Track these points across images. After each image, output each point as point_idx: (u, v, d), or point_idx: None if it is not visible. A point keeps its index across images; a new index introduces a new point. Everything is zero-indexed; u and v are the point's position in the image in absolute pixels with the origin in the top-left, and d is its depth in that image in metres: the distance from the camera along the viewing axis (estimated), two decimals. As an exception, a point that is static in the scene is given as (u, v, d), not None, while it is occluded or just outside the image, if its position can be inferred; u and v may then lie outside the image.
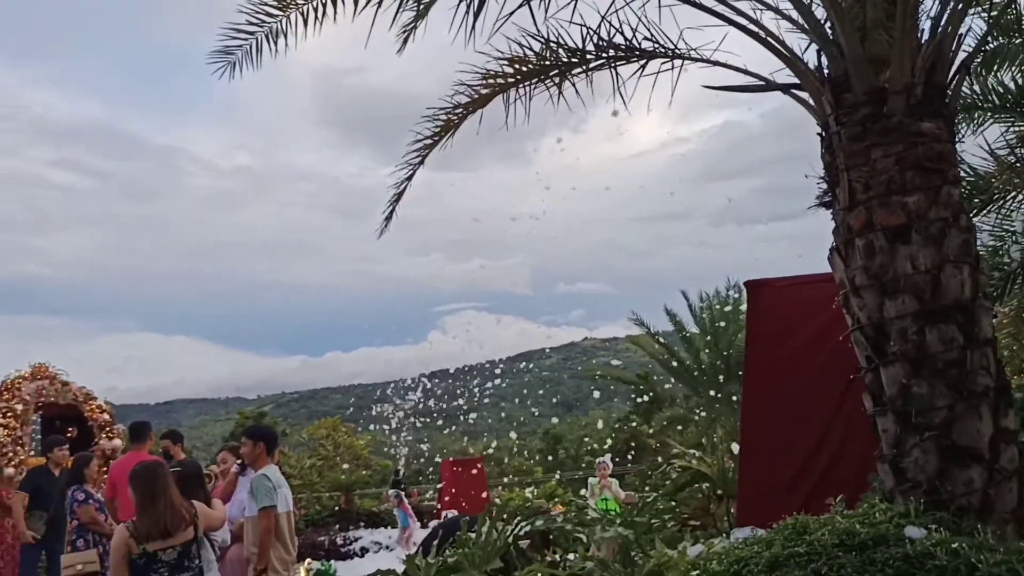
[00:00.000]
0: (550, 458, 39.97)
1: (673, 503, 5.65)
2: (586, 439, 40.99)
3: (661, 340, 19.98)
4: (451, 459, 16.62)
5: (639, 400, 42.84)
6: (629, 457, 34.27)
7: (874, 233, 4.23)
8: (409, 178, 6.80)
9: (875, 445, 4.57)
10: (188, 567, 5.27)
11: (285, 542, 6.43)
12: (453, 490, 15.73)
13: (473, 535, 4.85)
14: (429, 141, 6.38)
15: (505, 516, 4.81)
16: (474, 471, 16.15)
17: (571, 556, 4.31)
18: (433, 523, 13.08)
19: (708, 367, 18.55)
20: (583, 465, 32.76)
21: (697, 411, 19.42)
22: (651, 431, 36.89)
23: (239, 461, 7.21)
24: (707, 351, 18.57)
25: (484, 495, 15.57)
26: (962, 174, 5.60)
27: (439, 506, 15.64)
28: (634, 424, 41.86)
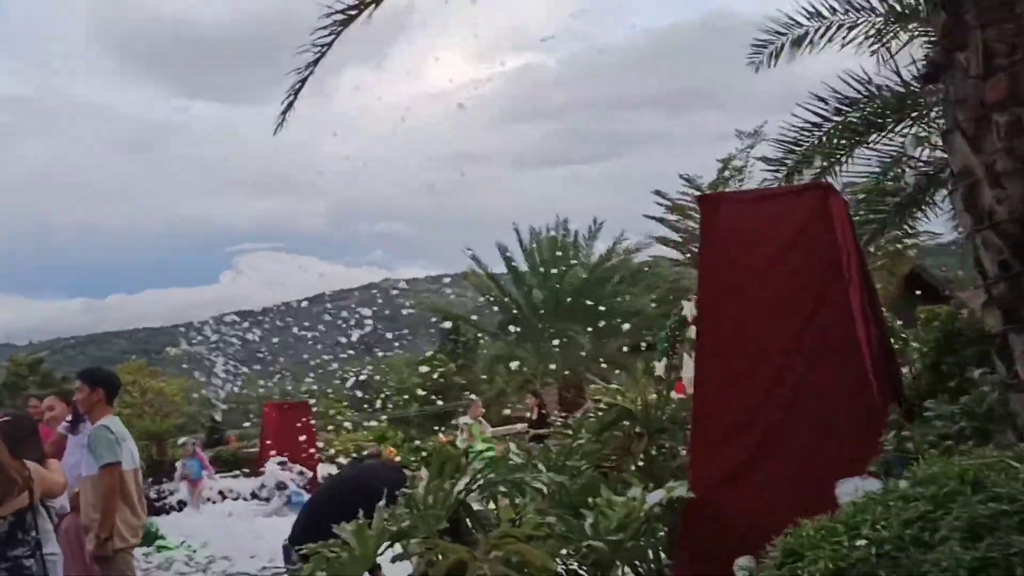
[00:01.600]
0: (366, 406, 39.03)
1: (599, 444, 5.11)
2: (390, 383, 40.44)
3: (492, 277, 19.54)
4: (274, 403, 15.44)
5: (456, 340, 42.69)
6: (438, 398, 34.07)
7: (1022, 107, 3.39)
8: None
9: (836, 386, 4.13)
10: (23, 540, 4.22)
11: (133, 504, 5.39)
12: (276, 437, 14.68)
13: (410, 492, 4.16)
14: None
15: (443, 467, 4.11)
16: (300, 416, 15.11)
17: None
18: (270, 472, 12.12)
19: (540, 304, 18.33)
20: (389, 407, 32.11)
21: (525, 349, 19.21)
22: (457, 371, 36.77)
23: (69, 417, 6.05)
24: (538, 289, 18.33)
25: (311, 441, 14.63)
26: None
27: (264, 454, 14.50)
28: (440, 366, 41.70)
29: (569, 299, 17.41)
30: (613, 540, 3.69)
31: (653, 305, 17.75)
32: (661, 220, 21.57)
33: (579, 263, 18.56)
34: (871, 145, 7.81)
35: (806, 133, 7.85)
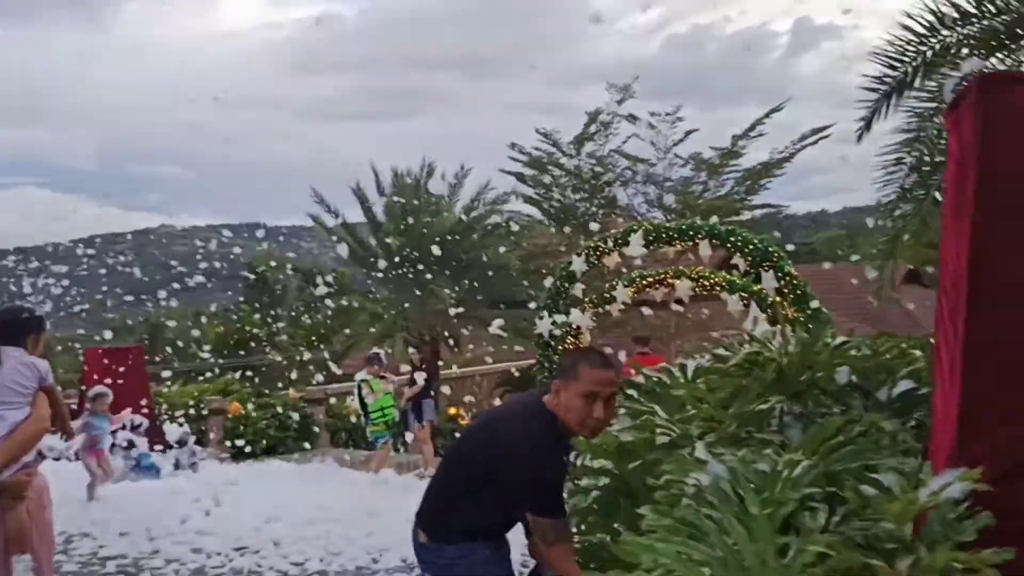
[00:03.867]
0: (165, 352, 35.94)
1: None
2: (171, 330, 37.50)
3: (344, 225, 17.88)
4: (101, 349, 13.23)
5: (264, 289, 40.12)
6: (240, 353, 31.83)
7: None
8: None
9: None
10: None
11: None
12: (103, 382, 12.58)
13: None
14: None
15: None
16: (129, 363, 13.05)
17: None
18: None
19: (397, 253, 16.98)
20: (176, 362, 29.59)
21: (374, 304, 17.80)
22: (257, 323, 34.61)
23: None
24: (396, 236, 16.96)
25: (145, 393, 12.65)
26: None
27: (84, 406, 12.33)
28: (238, 316, 39.29)
29: (433, 250, 16.18)
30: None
31: (518, 262, 16.86)
32: (520, 176, 20.74)
33: (448, 212, 17.33)
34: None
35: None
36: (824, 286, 15.89)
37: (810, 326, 10.45)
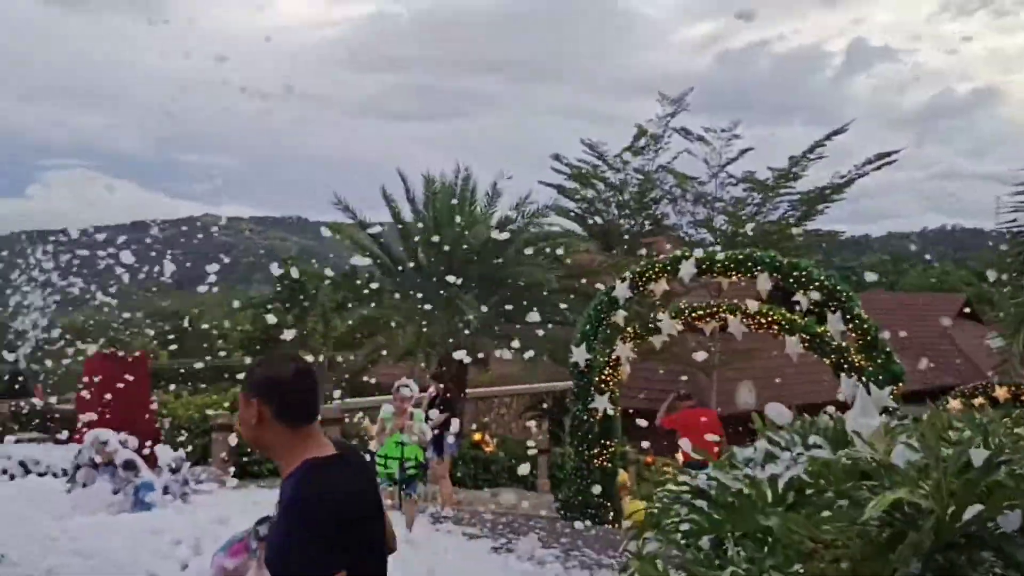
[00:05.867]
0: (174, 345, 35.15)
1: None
2: (200, 321, 36.73)
3: (370, 230, 16.89)
4: (102, 352, 12.28)
5: (293, 287, 39.40)
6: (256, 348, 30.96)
7: None
8: None
9: None
10: None
11: None
12: (103, 395, 11.67)
13: None
14: None
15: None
16: (132, 370, 12.13)
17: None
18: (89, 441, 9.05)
19: (426, 264, 16.01)
20: (210, 356, 28.84)
21: (401, 315, 16.80)
22: (293, 321, 33.85)
23: None
24: (426, 246, 15.97)
25: (147, 406, 11.74)
26: None
27: (83, 417, 11.38)
28: (269, 311, 38.49)
29: (463, 262, 15.15)
30: None
31: (555, 280, 15.77)
32: (561, 189, 19.66)
33: (483, 223, 16.28)
34: None
35: None
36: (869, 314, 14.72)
37: (880, 377, 9.31)
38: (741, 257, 10.34)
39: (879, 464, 2.84)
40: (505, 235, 14.64)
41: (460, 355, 12.25)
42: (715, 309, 10.88)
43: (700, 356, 13.72)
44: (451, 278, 13.05)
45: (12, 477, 10.02)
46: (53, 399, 13.25)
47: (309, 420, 2.63)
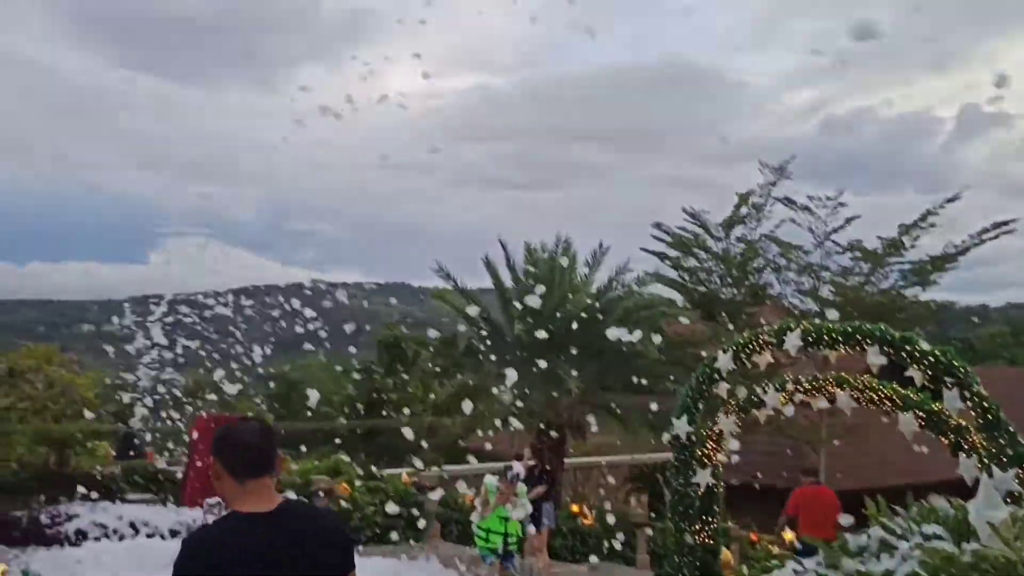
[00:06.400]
0: (279, 406, 36.03)
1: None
2: (303, 385, 37.50)
3: (470, 295, 17.11)
4: (209, 414, 12.69)
5: (395, 353, 39.84)
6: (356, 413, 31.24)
7: None
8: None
9: None
10: None
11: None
12: (208, 457, 11.98)
13: None
14: None
15: None
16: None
17: None
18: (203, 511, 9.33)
19: (524, 334, 16.02)
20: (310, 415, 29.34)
21: (498, 383, 16.80)
22: (393, 386, 34.19)
23: None
24: (527, 314, 16.00)
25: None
26: None
27: (191, 484, 11.67)
28: (374, 376, 38.99)
29: (562, 329, 15.12)
30: None
31: (656, 349, 15.55)
32: (662, 256, 19.55)
33: (583, 291, 16.28)
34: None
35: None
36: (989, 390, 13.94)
37: (1003, 459, 8.78)
38: (850, 329, 10.00)
39: (1008, 562, 2.67)
40: (603, 301, 14.58)
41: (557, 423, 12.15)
42: (822, 383, 10.51)
43: (808, 430, 13.30)
44: (549, 344, 13.03)
45: (121, 537, 10.35)
46: (163, 462, 13.67)
47: (253, 476, 2.93)
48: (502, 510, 8.59)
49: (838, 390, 10.34)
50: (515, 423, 15.87)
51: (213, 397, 12.80)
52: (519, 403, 15.67)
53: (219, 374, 13.47)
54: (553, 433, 15.66)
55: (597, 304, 14.43)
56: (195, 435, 11.88)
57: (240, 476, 2.92)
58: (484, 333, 16.98)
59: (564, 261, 17.12)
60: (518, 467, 8.96)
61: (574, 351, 15.46)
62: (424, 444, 15.53)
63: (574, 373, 15.09)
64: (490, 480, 8.91)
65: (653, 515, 15.41)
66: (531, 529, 10.83)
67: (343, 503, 12.53)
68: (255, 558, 2.79)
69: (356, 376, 38.78)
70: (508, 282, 17.12)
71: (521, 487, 8.93)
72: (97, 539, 10.17)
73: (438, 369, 33.27)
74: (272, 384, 39.98)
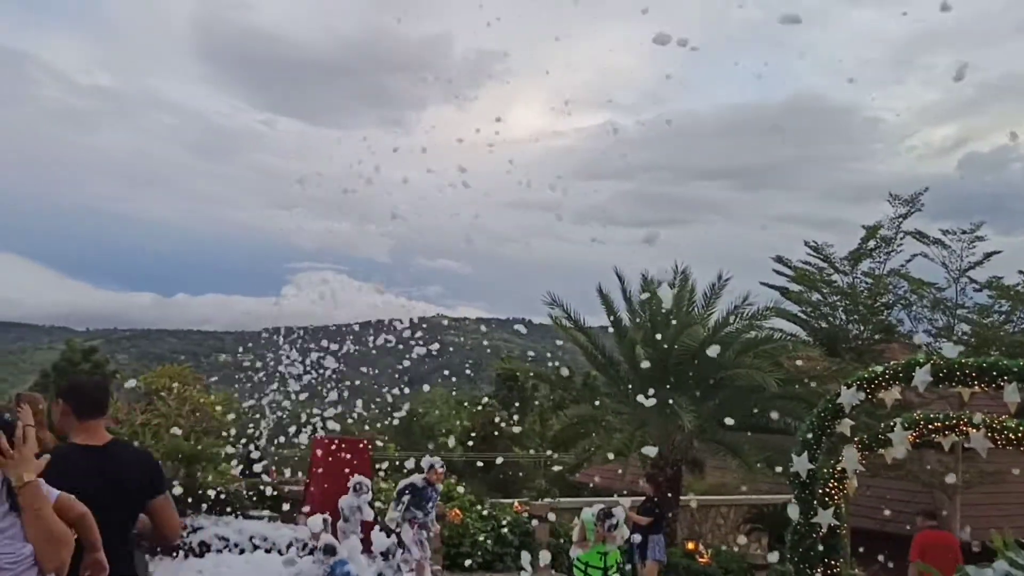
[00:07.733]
0: (402, 438, 36.65)
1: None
2: (426, 416, 37.94)
3: (585, 330, 17.06)
4: (328, 437, 13.02)
5: (512, 388, 39.96)
6: (472, 444, 31.31)
7: None
8: None
9: None
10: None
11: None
12: (326, 480, 12.30)
13: None
14: None
15: None
16: (357, 455, 12.75)
17: None
18: (312, 524, 9.54)
19: (640, 367, 15.82)
20: (430, 446, 29.72)
21: (616, 415, 16.64)
22: (514, 421, 34.22)
23: None
24: (643, 347, 15.81)
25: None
26: None
27: (307, 501, 11.98)
28: (491, 409, 39.16)
29: (678, 363, 14.85)
30: None
31: (776, 385, 15.06)
32: (784, 291, 18.99)
33: (699, 324, 15.99)
34: None
35: None
36: None
37: None
38: (985, 365, 9.43)
39: None
40: (722, 335, 14.27)
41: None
42: (955, 421, 9.95)
43: (948, 477, 12.58)
44: (664, 378, 12.82)
45: (242, 551, 10.69)
46: (285, 480, 14.08)
47: (90, 416, 3.82)
48: (601, 547, 8.45)
49: (971, 429, 9.77)
50: (630, 457, 15.69)
51: (336, 427, 13.20)
52: (636, 434, 15.49)
53: (342, 402, 13.88)
54: (670, 464, 15.35)
55: (715, 336, 14.11)
56: (317, 454, 12.21)
57: (81, 416, 3.81)
58: (600, 367, 16.87)
59: (683, 295, 16.86)
60: (619, 513, 8.76)
61: (692, 386, 15.19)
62: (539, 477, 15.49)
63: (691, 407, 14.78)
64: (587, 514, 8.76)
65: (773, 556, 14.88)
66: (638, 562, 10.60)
67: (447, 528, 12.61)
68: (88, 476, 3.55)
69: (475, 408, 39.15)
70: (625, 316, 16.97)
71: (622, 531, 8.74)
72: (219, 551, 10.61)
73: (553, 401, 33.31)
74: (395, 414, 40.61)
